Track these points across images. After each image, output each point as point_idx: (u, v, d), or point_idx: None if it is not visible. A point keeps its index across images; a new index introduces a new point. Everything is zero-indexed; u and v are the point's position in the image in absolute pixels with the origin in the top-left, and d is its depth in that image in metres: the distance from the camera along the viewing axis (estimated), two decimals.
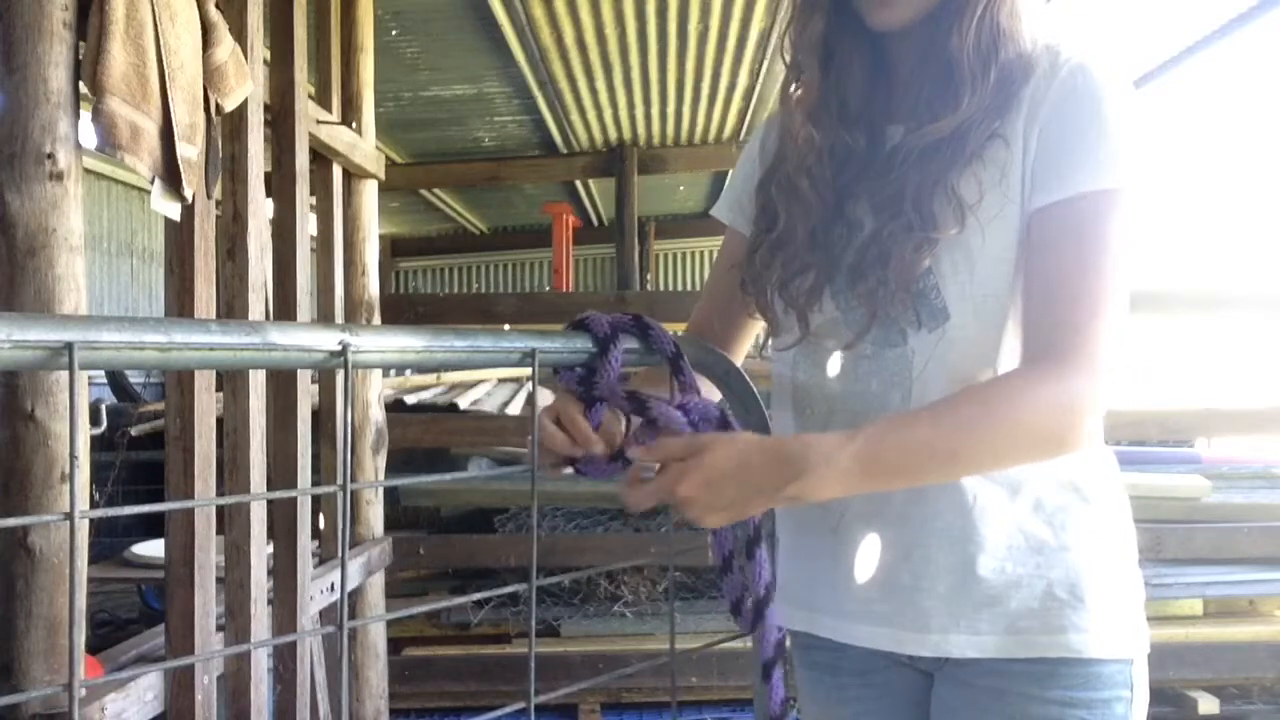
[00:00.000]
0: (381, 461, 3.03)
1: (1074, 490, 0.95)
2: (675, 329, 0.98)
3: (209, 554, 1.80)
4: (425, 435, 3.54)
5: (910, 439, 0.85)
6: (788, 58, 1.04)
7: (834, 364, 0.99)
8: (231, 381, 1.97)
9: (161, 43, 1.57)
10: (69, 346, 0.56)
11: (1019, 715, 0.93)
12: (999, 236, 0.92)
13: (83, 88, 1.46)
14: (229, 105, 1.82)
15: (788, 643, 1.07)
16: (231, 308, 1.97)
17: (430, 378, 5.08)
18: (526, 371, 0.87)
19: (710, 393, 1.04)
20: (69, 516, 0.53)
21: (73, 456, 0.53)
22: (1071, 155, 0.89)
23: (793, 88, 1.04)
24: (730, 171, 7.96)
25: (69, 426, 0.60)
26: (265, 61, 2.13)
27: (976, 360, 0.93)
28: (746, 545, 0.97)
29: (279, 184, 2.26)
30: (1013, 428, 0.85)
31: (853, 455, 0.83)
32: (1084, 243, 0.88)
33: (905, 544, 0.95)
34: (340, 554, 0.59)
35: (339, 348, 0.70)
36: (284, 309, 2.25)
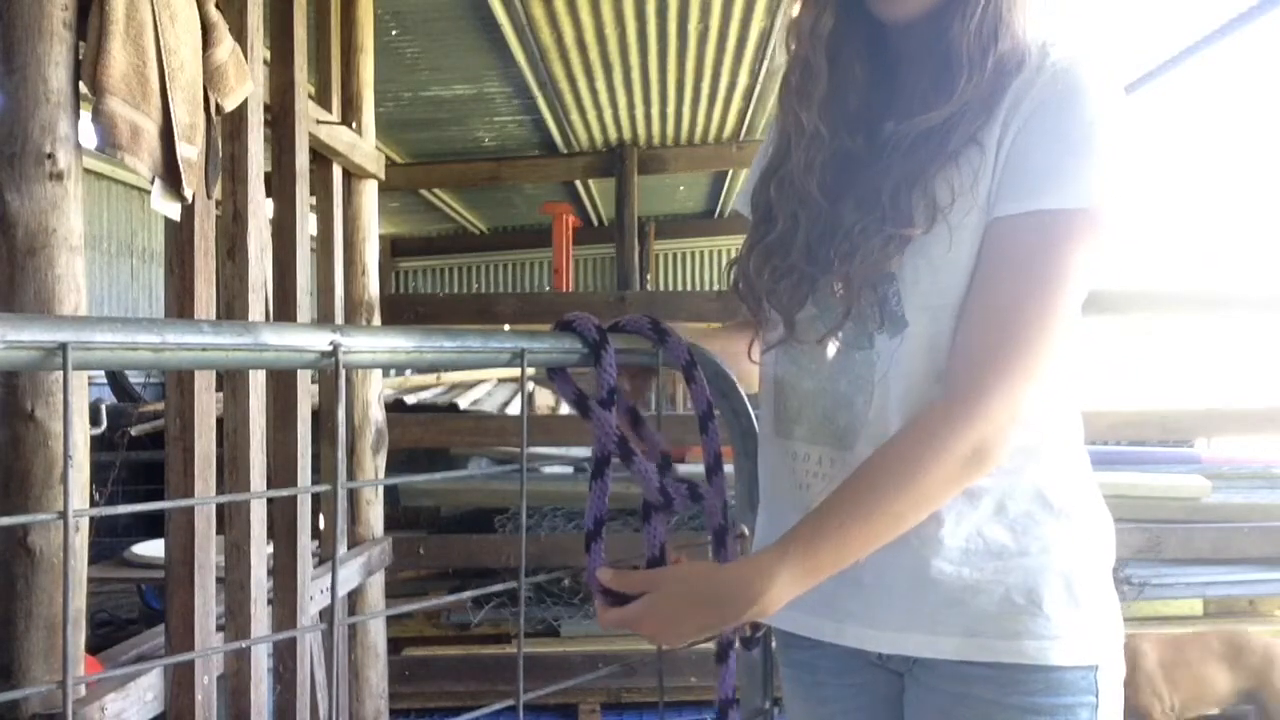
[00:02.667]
0: (381, 461, 3.03)
1: (1039, 498, 0.94)
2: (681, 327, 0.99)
3: (209, 554, 1.80)
4: (425, 435, 3.55)
5: (846, 529, 0.86)
6: (793, 54, 1.01)
7: (808, 361, 1.00)
8: (231, 381, 1.97)
9: (161, 43, 1.57)
10: (63, 347, 0.57)
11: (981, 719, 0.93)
12: (964, 245, 0.90)
13: (83, 88, 1.47)
14: (229, 105, 1.82)
15: (772, 642, 1.08)
16: (231, 308, 1.97)
17: (430, 378, 5.08)
18: (527, 371, 0.88)
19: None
20: (63, 515, 0.54)
21: (67, 456, 0.53)
22: (1040, 167, 0.87)
23: (794, 83, 1.01)
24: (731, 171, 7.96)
25: (71, 426, 0.60)
26: (265, 61, 2.13)
27: (933, 367, 0.92)
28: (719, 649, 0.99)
29: (279, 184, 2.26)
30: (931, 481, 0.86)
31: (792, 569, 0.85)
32: (1032, 267, 0.86)
33: None
34: (333, 551, 0.60)
35: (330, 348, 0.70)
36: (284, 309, 2.25)
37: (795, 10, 1.03)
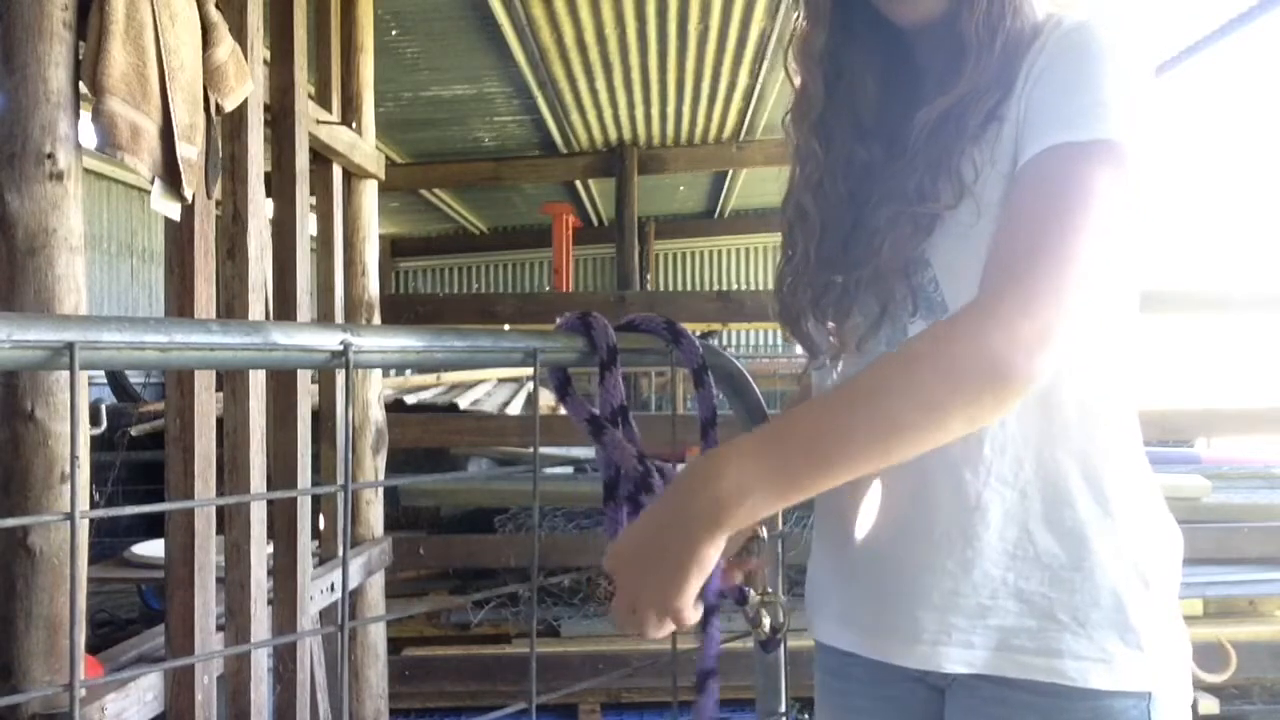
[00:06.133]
0: (381, 461, 3.03)
1: (1099, 503, 0.88)
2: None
3: (209, 554, 1.80)
4: (425, 435, 3.54)
5: (827, 413, 0.76)
6: (794, 77, 1.00)
7: (854, 371, 0.95)
8: (231, 381, 1.97)
9: (161, 43, 1.57)
10: (70, 346, 0.56)
11: None
12: (994, 219, 0.86)
13: (83, 88, 1.47)
14: (229, 105, 1.82)
15: (789, 643, 1.06)
16: (231, 308, 1.97)
17: (430, 378, 5.09)
18: (527, 371, 0.87)
19: None
20: (69, 516, 0.53)
21: (74, 456, 0.53)
22: (1052, 110, 0.83)
23: (793, 103, 1.00)
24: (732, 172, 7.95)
25: (69, 426, 0.60)
26: (265, 61, 2.13)
27: None
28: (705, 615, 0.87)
29: (279, 184, 2.26)
30: (941, 376, 0.74)
31: (753, 442, 0.75)
32: (1054, 187, 0.79)
33: (904, 551, 0.91)
34: (342, 553, 0.60)
35: (340, 348, 0.70)
36: (284, 309, 2.25)
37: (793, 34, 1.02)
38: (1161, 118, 0.87)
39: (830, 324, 0.97)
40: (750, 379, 1.03)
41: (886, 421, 0.74)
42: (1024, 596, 0.87)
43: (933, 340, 0.77)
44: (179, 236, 1.78)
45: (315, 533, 2.37)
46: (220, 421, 1.88)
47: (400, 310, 3.46)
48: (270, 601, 2.13)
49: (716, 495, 0.73)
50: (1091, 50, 0.84)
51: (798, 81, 1.01)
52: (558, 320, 0.90)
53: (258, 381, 1.99)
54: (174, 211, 1.70)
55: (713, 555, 0.75)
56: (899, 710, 0.98)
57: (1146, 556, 0.90)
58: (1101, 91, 0.82)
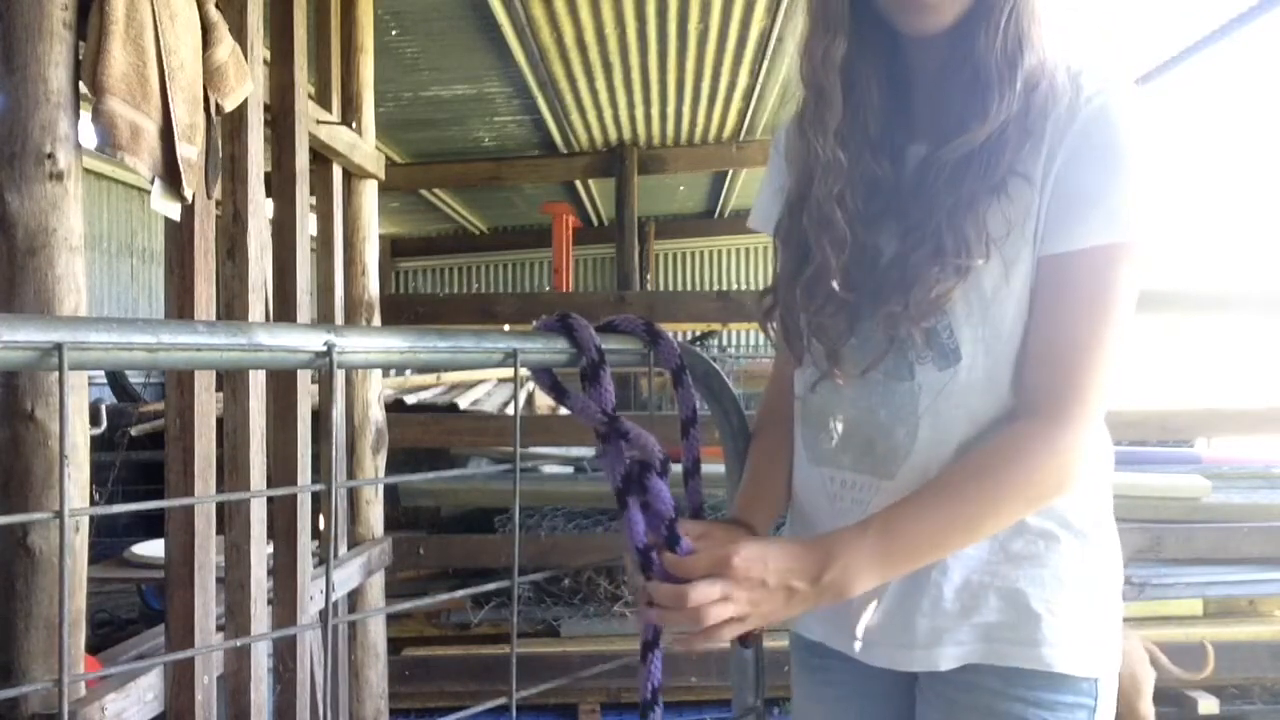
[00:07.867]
0: (381, 461, 3.03)
1: (1060, 518, 0.97)
2: (677, 329, 0.98)
3: (209, 554, 1.80)
4: (425, 435, 3.55)
5: (923, 522, 0.91)
6: (806, 81, 0.99)
7: (848, 390, 1.00)
8: (231, 381, 1.97)
9: (161, 43, 1.57)
10: (58, 347, 0.57)
11: (986, 710, 0.97)
12: (1017, 279, 0.92)
13: (83, 88, 1.47)
14: (229, 105, 1.82)
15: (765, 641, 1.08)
16: (231, 308, 1.97)
17: (430, 378, 5.09)
18: (526, 372, 0.87)
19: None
20: (59, 515, 0.54)
21: (62, 455, 0.54)
22: (1085, 204, 0.90)
23: (810, 112, 0.99)
24: (729, 174, 7.96)
25: (66, 426, 0.60)
26: (265, 61, 2.13)
27: (989, 398, 0.95)
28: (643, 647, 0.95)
29: (279, 184, 2.26)
30: (1013, 492, 0.91)
31: (872, 543, 0.89)
32: (1090, 301, 0.91)
33: None
34: (327, 550, 0.60)
35: (324, 348, 0.71)
36: (284, 309, 2.26)
37: (802, 34, 1.00)
38: (1171, 197, 0.96)
39: (821, 344, 0.99)
40: (726, 380, 1.04)
41: (974, 528, 0.92)
42: (1001, 593, 0.97)
43: (1016, 453, 0.92)
44: (179, 236, 1.79)
45: (316, 533, 2.37)
46: (220, 421, 1.89)
47: (400, 310, 3.46)
48: (270, 601, 2.13)
49: (841, 578, 0.89)
50: (1121, 144, 0.90)
51: (812, 90, 0.99)
52: (534, 323, 0.92)
53: (258, 381, 1.99)
54: (174, 211, 1.70)
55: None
56: (872, 681, 1.05)
57: (1103, 562, 1.00)
58: (1130, 189, 0.90)
